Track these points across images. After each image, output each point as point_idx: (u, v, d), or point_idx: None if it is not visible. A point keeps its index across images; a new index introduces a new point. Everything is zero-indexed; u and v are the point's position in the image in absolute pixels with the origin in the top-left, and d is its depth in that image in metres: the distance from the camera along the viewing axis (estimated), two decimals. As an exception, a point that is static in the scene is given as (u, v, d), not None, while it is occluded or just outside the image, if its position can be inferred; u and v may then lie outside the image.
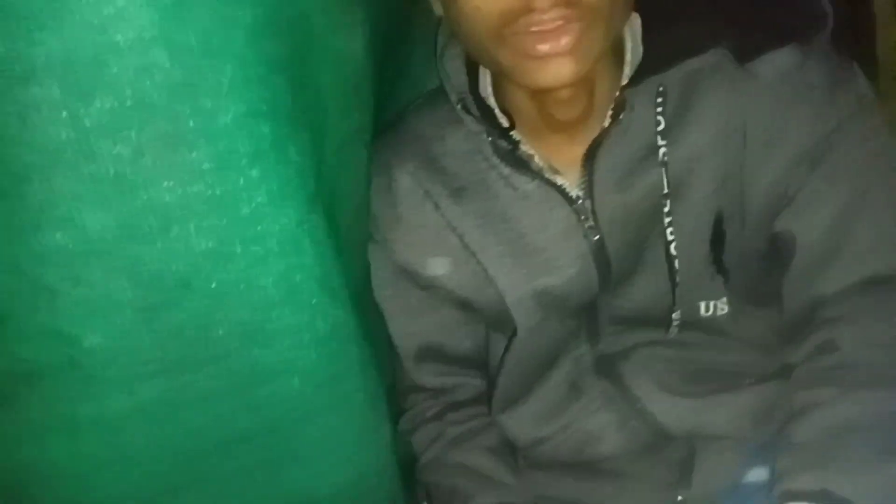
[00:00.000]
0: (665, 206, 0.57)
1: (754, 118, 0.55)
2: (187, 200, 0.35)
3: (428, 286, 0.65)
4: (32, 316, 0.35)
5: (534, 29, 0.47)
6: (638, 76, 0.55)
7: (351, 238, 0.53)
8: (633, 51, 0.56)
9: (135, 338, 0.38)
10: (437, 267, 0.63)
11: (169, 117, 0.33)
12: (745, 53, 0.54)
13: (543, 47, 0.47)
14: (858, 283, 0.55)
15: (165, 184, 0.34)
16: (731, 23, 0.53)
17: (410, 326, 0.66)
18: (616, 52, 0.55)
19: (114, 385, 0.38)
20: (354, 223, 0.55)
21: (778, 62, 0.54)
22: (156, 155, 0.33)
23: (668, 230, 0.57)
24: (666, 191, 0.56)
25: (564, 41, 0.47)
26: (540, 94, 0.54)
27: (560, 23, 0.47)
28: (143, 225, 0.34)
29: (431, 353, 0.66)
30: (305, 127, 0.38)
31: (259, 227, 0.39)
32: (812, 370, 0.55)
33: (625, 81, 0.55)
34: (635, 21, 0.55)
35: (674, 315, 0.61)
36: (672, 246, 0.58)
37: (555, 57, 0.48)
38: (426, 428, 0.67)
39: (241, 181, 0.37)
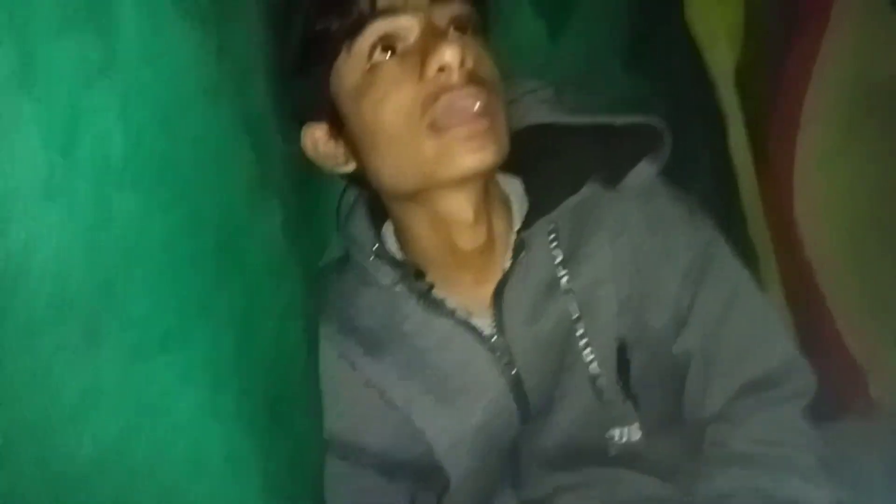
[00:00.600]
0: (578, 330, 0.62)
1: (638, 238, 0.63)
2: (99, 386, 0.38)
3: (351, 455, 0.65)
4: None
5: (454, 102, 0.54)
6: (529, 220, 0.62)
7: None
8: (518, 203, 0.64)
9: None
10: (360, 428, 0.64)
11: (85, 315, 0.36)
12: (611, 178, 0.63)
13: (465, 129, 0.54)
14: (740, 386, 0.62)
15: (78, 378, 0.36)
16: (592, 158, 0.63)
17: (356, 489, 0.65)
18: (505, 205, 0.64)
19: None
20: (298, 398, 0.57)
21: (641, 174, 0.63)
22: (72, 351, 0.36)
23: (585, 351, 0.62)
24: (577, 315, 0.62)
25: (484, 121, 0.54)
26: (445, 224, 0.59)
27: (474, 92, 0.54)
28: (52, 417, 0.36)
29: None
30: (222, 313, 0.41)
31: (166, 411, 0.41)
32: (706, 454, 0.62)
33: (517, 226, 0.63)
34: (517, 182, 0.65)
35: (607, 436, 0.63)
36: (592, 367, 0.62)
37: (475, 137, 0.54)
38: None
39: (150, 368, 0.39)
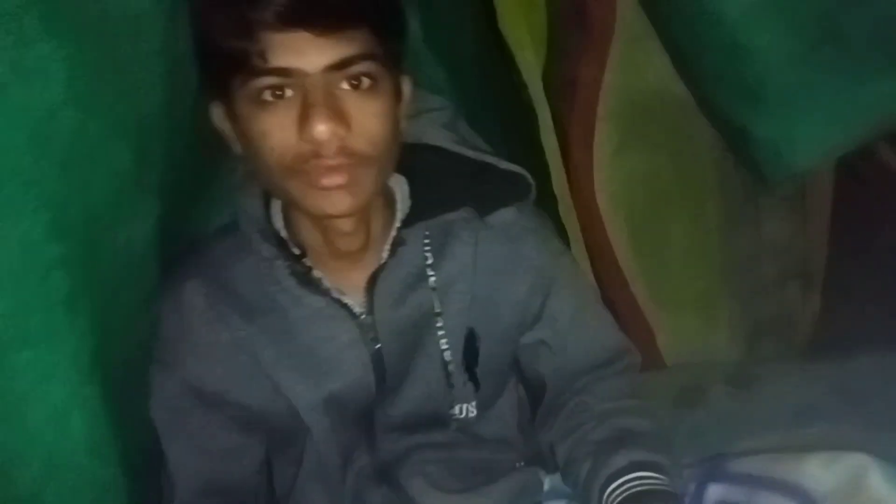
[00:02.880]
0: (438, 322, 0.72)
1: (488, 255, 0.74)
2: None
3: (213, 404, 0.70)
4: None
5: (320, 166, 0.59)
6: (409, 221, 0.71)
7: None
8: (402, 202, 0.73)
9: None
10: (226, 382, 0.69)
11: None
12: (483, 211, 0.74)
13: (327, 181, 0.60)
14: (589, 367, 0.77)
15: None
16: (473, 190, 0.74)
17: (192, 460, 0.69)
18: (388, 202, 0.72)
19: None
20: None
21: (505, 215, 0.76)
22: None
23: (442, 342, 0.72)
24: (438, 310, 0.72)
25: (342, 178, 0.60)
26: (324, 226, 0.66)
27: (340, 162, 0.59)
28: None
29: (216, 489, 0.70)
30: (89, 310, 0.43)
31: (28, 405, 0.42)
32: (574, 414, 0.74)
33: (398, 224, 0.71)
34: (403, 182, 0.73)
35: (450, 411, 0.74)
36: (445, 354, 0.72)
37: (335, 190, 0.60)
38: None
39: (12, 364, 0.41)
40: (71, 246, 0.41)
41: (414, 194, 0.73)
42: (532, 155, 0.93)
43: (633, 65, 0.88)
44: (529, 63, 0.91)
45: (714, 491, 0.65)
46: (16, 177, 0.37)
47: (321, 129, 0.57)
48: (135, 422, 0.53)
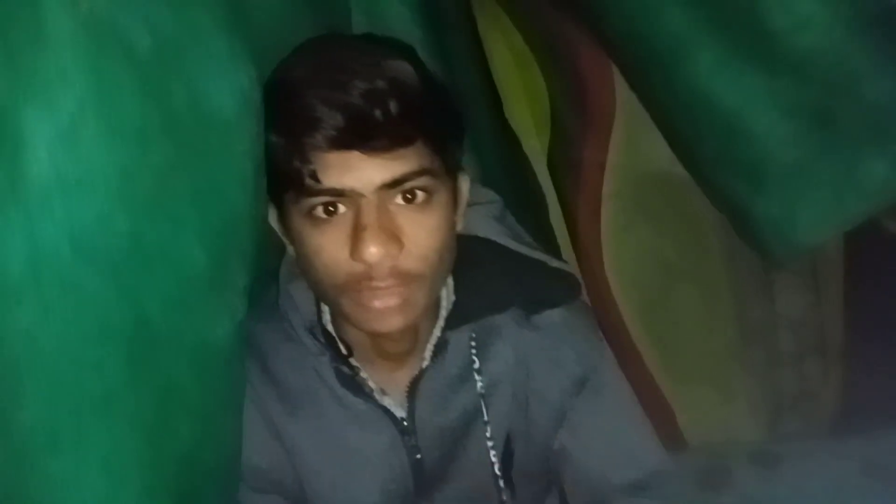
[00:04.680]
0: (485, 429, 0.70)
1: (535, 354, 0.72)
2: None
3: (260, 481, 0.68)
4: None
5: (371, 287, 0.59)
6: (455, 322, 0.70)
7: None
8: (446, 299, 0.71)
9: None
10: (267, 461, 0.68)
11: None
12: (531, 311, 0.72)
13: (378, 304, 0.60)
14: (617, 488, 0.73)
15: None
16: (521, 291, 0.72)
17: None
18: (434, 303, 0.69)
19: None
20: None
21: (553, 317, 0.73)
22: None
23: (491, 449, 0.71)
24: (486, 418, 0.70)
25: (394, 301, 0.60)
26: (370, 334, 0.65)
27: (392, 285, 0.59)
28: None
29: None
30: (129, 413, 0.45)
31: None
32: None
33: (442, 324, 0.70)
34: (449, 278, 0.70)
35: None
36: (493, 459, 0.70)
37: (386, 311, 0.60)
38: None
39: (40, 470, 0.43)
40: (114, 351, 0.43)
41: (460, 291, 0.71)
42: (541, 238, 0.97)
43: (635, 146, 0.92)
44: (534, 149, 0.97)
45: None
46: (53, 283, 0.40)
47: (373, 251, 0.57)
48: None
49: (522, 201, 0.98)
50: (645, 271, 0.99)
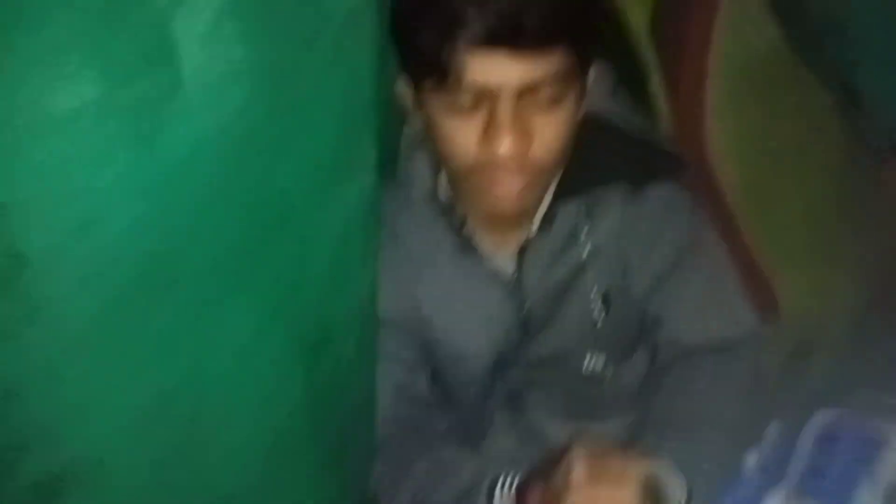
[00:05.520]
0: (585, 288, 0.78)
1: (639, 225, 0.79)
2: (176, 325, 0.53)
3: (394, 319, 0.79)
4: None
5: (497, 176, 0.66)
6: (564, 194, 0.77)
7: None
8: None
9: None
10: (395, 309, 0.78)
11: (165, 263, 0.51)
12: (638, 185, 0.78)
13: (500, 190, 0.67)
14: (704, 350, 0.78)
15: (158, 318, 0.51)
16: (629, 166, 0.77)
17: (389, 364, 0.78)
18: None
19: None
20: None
21: (659, 190, 0.79)
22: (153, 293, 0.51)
23: (590, 304, 0.79)
24: (589, 280, 0.78)
25: (516, 188, 0.67)
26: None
27: (516, 174, 0.66)
28: (139, 352, 0.51)
29: (406, 396, 0.81)
30: (277, 260, 0.54)
31: (227, 344, 0.56)
32: (668, 395, 0.78)
33: (551, 195, 0.76)
34: None
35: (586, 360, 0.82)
36: (593, 313, 0.79)
37: (507, 196, 0.68)
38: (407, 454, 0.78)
39: (216, 308, 0.55)
40: (258, 219, 0.52)
41: (571, 165, 0.75)
42: (644, 111, 0.98)
43: (741, 26, 0.90)
44: (637, 17, 0.96)
45: (823, 415, 0.69)
46: (212, 164, 0.48)
47: (505, 147, 0.62)
48: (327, 362, 0.63)
49: (625, 73, 0.99)
50: (751, 151, 0.99)
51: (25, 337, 0.47)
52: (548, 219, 0.78)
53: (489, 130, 0.63)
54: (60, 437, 0.51)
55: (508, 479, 0.72)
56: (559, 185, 0.77)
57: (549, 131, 0.65)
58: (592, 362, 0.82)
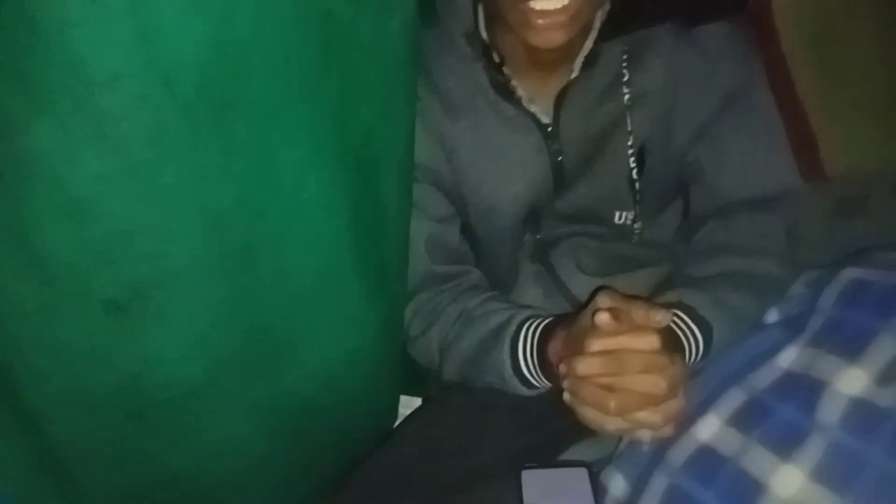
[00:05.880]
0: (627, 138, 0.77)
1: (688, 69, 0.76)
2: (232, 150, 0.55)
3: (426, 176, 0.80)
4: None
5: (539, 7, 0.65)
6: (608, 34, 0.74)
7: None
8: (601, 10, 0.75)
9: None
10: (431, 160, 0.79)
11: (222, 100, 0.52)
12: (688, 26, 0.74)
13: (543, 21, 0.66)
14: (741, 200, 0.78)
15: (216, 146, 0.54)
16: (681, 2, 0.73)
17: (421, 217, 0.82)
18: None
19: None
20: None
21: (712, 31, 0.75)
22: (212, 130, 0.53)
23: (630, 156, 0.78)
24: (629, 127, 0.77)
25: (560, 19, 0.65)
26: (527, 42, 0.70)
27: (558, 4, 0.64)
28: (214, 175, 0.54)
29: (439, 248, 0.84)
30: (322, 95, 0.55)
31: (275, 169, 0.58)
32: (700, 252, 0.79)
33: (595, 35, 0.74)
34: None
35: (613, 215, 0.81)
36: (632, 165, 0.78)
37: (550, 27, 0.66)
38: (444, 301, 0.81)
39: (262, 137, 0.57)
40: (308, 39, 0.53)
41: (616, 2, 0.74)
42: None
43: None
44: None
45: (850, 272, 0.68)
46: None
47: None
48: (368, 193, 0.66)
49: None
50: (810, 8, 0.93)
51: (90, 155, 0.51)
52: (590, 61, 0.75)
53: None
54: (130, 247, 0.55)
55: (535, 324, 0.75)
56: (604, 25, 0.74)
57: None
58: (624, 217, 0.82)
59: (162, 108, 0.50)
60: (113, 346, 0.58)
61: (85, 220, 0.53)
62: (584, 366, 0.64)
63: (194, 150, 0.53)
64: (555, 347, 0.72)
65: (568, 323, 0.71)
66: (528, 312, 0.77)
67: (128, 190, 0.52)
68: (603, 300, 0.67)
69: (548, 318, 0.76)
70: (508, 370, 0.75)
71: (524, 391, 0.76)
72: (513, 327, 0.76)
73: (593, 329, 0.65)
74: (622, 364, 0.62)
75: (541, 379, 0.74)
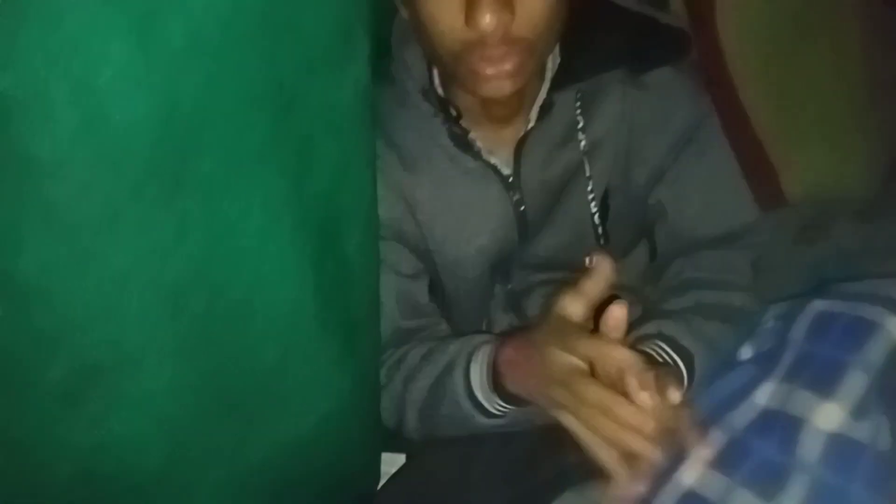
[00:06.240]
0: (587, 184, 0.78)
1: (640, 113, 0.77)
2: (186, 220, 0.54)
3: (392, 233, 0.79)
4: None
5: (485, 55, 0.65)
6: (561, 83, 0.75)
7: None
8: (552, 60, 0.76)
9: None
10: (394, 219, 0.79)
11: (172, 169, 0.51)
12: (639, 70, 0.76)
13: (490, 70, 0.66)
14: (706, 239, 0.79)
15: (171, 216, 0.53)
16: (629, 49, 0.75)
17: (390, 273, 0.80)
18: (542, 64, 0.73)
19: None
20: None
21: (662, 74, 0.77)
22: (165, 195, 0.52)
23: (592, 202, 0.78)
24: (588, 173, 0.77)
25: (506, 67, 0.66)
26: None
27: (504, 52, 0.65)
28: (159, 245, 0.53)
29: (407, 298, 0.83)
30: (277, 163, 0.55)
31: (233, 238, 0.58)
32: (671, 289, 0.79)
33: (548, 85, 0.75)
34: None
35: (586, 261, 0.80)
36: (594, 211, 0.79)
37: (498, 77, 0.66)
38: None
39: (218, 206, 0.56)
40: (258, 109, 0.52)
41: (566, 51, 0.75)
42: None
43: None
44: None
45: (817, 305, 0.69)
46: (210, 51, 0.48)
47: (487, 19, 0.61)
48: (331, 258, 0.65)
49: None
50: (766, 25, 0.96)
51: (41, 239, 0.49)
52: (545, 109, 0.76)
53: (470, 6, 0.63)
54: (84, 334, 0.53)
55: (487, 348, 0.74)
56: (556, 74, 0.75)
57: (532, 3, 0.64)
58: (592, 262, 0.83)
59: (111, 193, 0.49)
60: (69, 438, 0.56)
61: (33, 310, 0.51)
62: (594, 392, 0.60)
63: (147, 231, 0.52)
64: (506, 354, 0.70)
65: (522, 332, 0.70)
66: (488, 336, 0.76)
67: (78, 277, 0.51)
68: (560, 304, 0.65)
69: (499, 340, 0.74)
70: (462, 391, 0.73)
71: (482, 420, 0.74)
72: (466, 352, 0.74)
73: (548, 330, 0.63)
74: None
75: (495, 400, 0.72)
